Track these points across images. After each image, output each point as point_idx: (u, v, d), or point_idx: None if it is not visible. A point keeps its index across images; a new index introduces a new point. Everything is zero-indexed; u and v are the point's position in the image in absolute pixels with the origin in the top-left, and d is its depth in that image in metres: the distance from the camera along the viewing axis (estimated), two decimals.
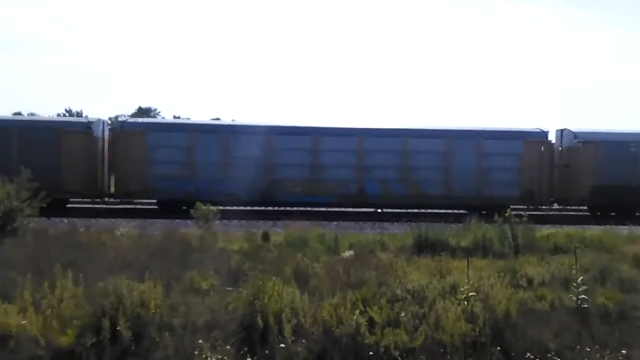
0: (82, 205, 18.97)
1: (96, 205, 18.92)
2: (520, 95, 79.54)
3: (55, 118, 20.93)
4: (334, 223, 14.58)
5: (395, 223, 14.29)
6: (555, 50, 76.62)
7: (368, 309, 6.26)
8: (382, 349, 5.52)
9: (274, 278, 6.37)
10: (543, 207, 19.97)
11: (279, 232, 10.58)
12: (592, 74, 75.96)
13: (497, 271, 7.96)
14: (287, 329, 5.50)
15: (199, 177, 18.13)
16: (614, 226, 12.98)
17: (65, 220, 13.70)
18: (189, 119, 39.48)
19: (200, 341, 5.15)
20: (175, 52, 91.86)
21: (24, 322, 5.21)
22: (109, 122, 19.73)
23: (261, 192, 18.45)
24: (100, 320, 5.25)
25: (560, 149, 20.43)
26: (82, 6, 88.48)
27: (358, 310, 6.08)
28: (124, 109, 70.29)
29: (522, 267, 8.38)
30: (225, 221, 12.04)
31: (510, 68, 77.56)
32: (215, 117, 44.99)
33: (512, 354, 5.72)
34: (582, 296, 6.71)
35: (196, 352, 5.03)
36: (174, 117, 52.68)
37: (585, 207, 20.56)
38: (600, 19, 78.87)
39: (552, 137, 20.50)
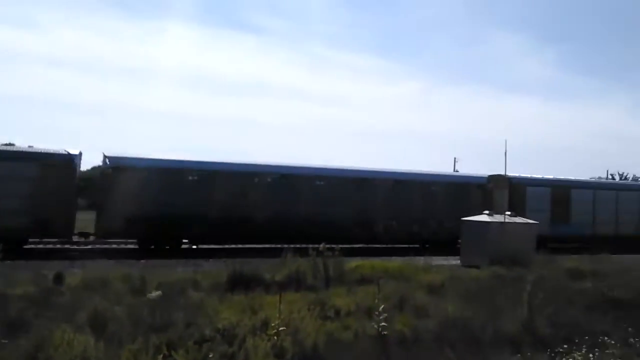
0: None
1: None
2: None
3: None
4: (142, 261, 13.65)
5: (211, 260, 13.88)
6: (369, 96, 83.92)
7: (173, 352, 5.89)
8: None
9: (63, 325, 5.62)
10: (64, 239, 17.54)
11: (76, 272, 9.49)
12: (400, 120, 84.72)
13: (308, 304, 8.09)
14: None
15: None
16: (414, 257, 14.21)
17: None
18: None
19: None
20: None
21: None
22: None
23: None
24: None
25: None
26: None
27: (161, 355, 5.70)
28: None
29: (331, 299, 8.64)
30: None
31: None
32: None
33: None
34: (383, 324, 7.10)
35: None
36: None
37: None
38: (407, 71, 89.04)
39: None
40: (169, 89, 76.36)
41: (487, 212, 14.84)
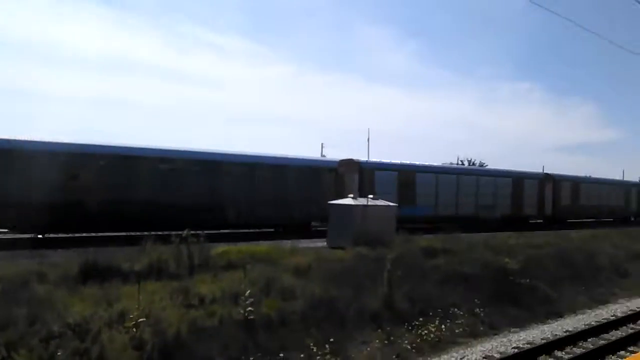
0: None
1: None
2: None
3: None
4: None
5: (59, 250, 12.67)
6: (238, 78, 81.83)
7: (13, 353, 5.27)
8: None
9: None
10: None
11: None
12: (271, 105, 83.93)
13: (170, 293, 7.73)
14: None
15: None
16: (281, 241, 14.25)
17: None
18: None
19: None
20: None
21: None
22: None
23: None
24: None
25: None
26: None
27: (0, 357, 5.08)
28: None
29: (195, 286, 8.32)
30: None
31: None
32: None
33: None
34: (249, 308, 7.00)
35: None
36: None
37: None
38: (277, 55, 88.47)
39: None
40: (24, 65, 67.94)
41: (351, 195, 15.34)
